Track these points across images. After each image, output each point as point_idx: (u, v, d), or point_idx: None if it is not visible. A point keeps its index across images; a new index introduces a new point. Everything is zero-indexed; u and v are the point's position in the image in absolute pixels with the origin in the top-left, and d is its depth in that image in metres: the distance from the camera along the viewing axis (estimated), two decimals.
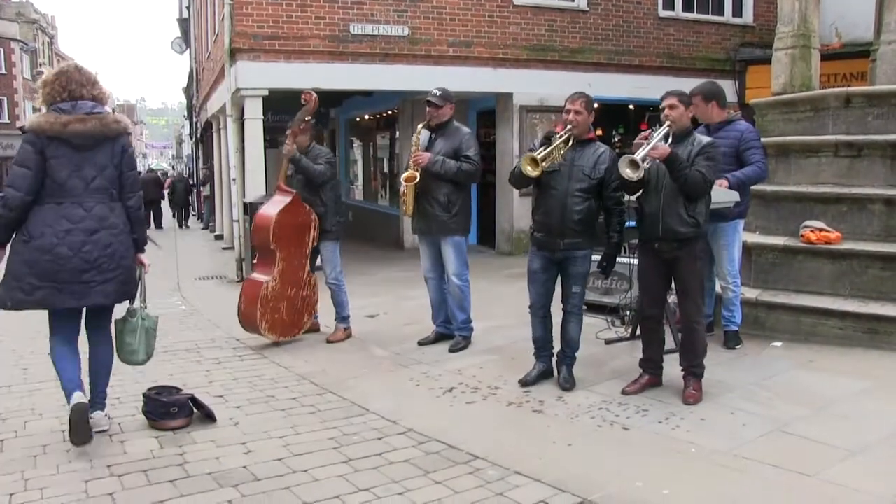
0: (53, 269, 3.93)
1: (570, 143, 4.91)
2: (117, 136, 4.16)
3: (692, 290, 4.75)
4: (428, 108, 6.05)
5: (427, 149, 6.02)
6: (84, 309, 4.21)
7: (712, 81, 6.15)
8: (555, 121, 5.12)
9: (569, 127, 4.90)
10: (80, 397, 4.02)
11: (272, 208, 6.37)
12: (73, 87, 4.10)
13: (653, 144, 4.51)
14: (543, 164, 4.77)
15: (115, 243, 4.13)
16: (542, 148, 4.84)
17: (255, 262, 6.72)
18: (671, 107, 4.70)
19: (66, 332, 4.20)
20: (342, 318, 6.78)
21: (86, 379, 4.28)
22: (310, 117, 6.57)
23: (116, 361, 4.47)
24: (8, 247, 4.02)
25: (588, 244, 5.06)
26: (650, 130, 4.67)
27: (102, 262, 4.06)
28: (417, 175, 5.92)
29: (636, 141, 4.62)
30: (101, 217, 4.07)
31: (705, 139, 4.76)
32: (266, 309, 6.29)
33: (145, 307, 4.58)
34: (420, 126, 6.13)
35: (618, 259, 7.10)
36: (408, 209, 6.11)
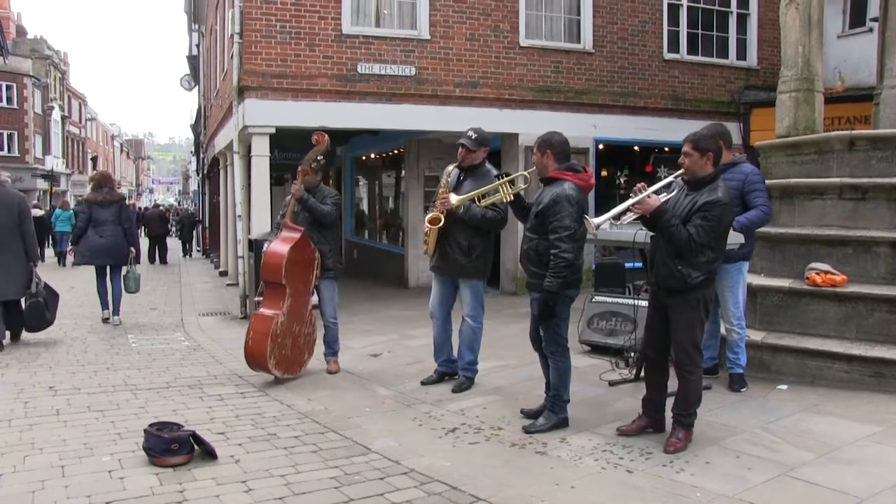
0: (91, 250, 9.51)
1: (524, 184, 5.52)
2: (119, 200, 9.82)
3: (682, 339, 4.57)
4: (461, 150, 5.95)
5: (455, 189, 5.94)
6: (107, 267, 9.70)
7: (719, 123, 6.19)
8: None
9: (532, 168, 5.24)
10: (106, 313, 9.98)
11: (282, 245, 6.38)
12: (102, 182, 10.00)
13: (639, 199, 4.42)
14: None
15: (115, 242, 9.55)
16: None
17: (258, 297, 6.71)
18: (685, 154, 4.52)
19: (100, 276, 9.80)
20: (335, 352, 6.95)
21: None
22: (321, 157, 6.65)
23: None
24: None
25: (539, 285, 4.92)
26: (642, 183, 4.64)
27: (110, 248, 9.51)
28: (442, 218, 5.86)
29: (635, 188, 4.55)
30: (111, 232, 9.52)
31: (713, 196, 4.42)
32: (275, 344, 6.30)
33: (135, 270, 9.98)
34: (451, 166, 6.08)
35: (621, 301, 7.19)
36: (429, 250, 6.05)
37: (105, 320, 9.89)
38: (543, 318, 4.93)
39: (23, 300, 8.29)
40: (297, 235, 6.43)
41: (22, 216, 8.18)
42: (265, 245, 6.89)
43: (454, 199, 5.73)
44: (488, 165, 6.08)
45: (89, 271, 10.43)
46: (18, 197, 8.45)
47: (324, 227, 6.69)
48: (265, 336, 6.24)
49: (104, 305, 9.92)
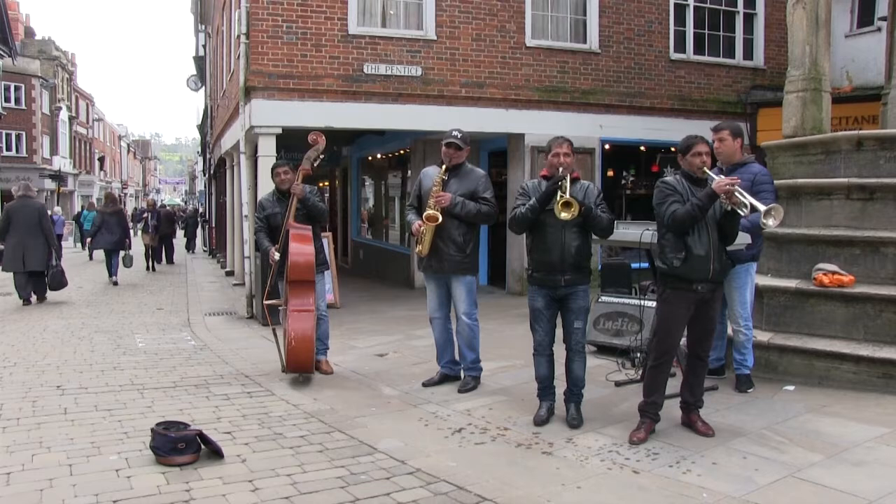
0: (101, 242, 15.62)
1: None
2: (119, 211, 16.28)
3: (714, 328, 4.99)
4: (448, 150, 6.00)
5: (441, 189, 6.02)
6: (110, 252, 15.60)
7: (735, 122, 6.20)
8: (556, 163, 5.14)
9: (561, 170, 5.02)
10: (109, 279, 15.77)
11: (305, 245, 6.43)
12: (109, 200, 16.65)
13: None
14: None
15: (118, 237, 15.51)
16: (558, 192, 4.96)
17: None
18: (708, 153, 4.82)
19: (108, 256, 15.75)
20: (327, 348, 7.00)
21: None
22: (322, 156, 6.71)
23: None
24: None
25: (587, 279, 5.16)
26: (729, 178, 4.58)
27: (113, 240, 15.44)
28: (440, 216, 5.91)
29: (720, 185, 4.47)
30: (113, 232, 15.39)
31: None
32: (314, 341, 6.37)
33: (129, 253, 16.25)
34: (443, 167, 6.06)
35: (628, 301, 7.22)
36: (424, 249, 6.06)
37: (108, 282, 15.63)
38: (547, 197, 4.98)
39: (45, 272, 12.07)
40: (309, 233, 6.54)
41: (41, 217, 12.06)
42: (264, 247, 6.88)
43: (567, 206, 5.00)
44: (469, 165, 6.22)
45: (95, 273, 16.71)
46: (40, 204, 12.85)
47: (316, 222, 6.86)
48: (311, 334, 6.28)
49: (110, 274, 15.76)
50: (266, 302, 6.87)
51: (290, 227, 6.53)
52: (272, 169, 7.01)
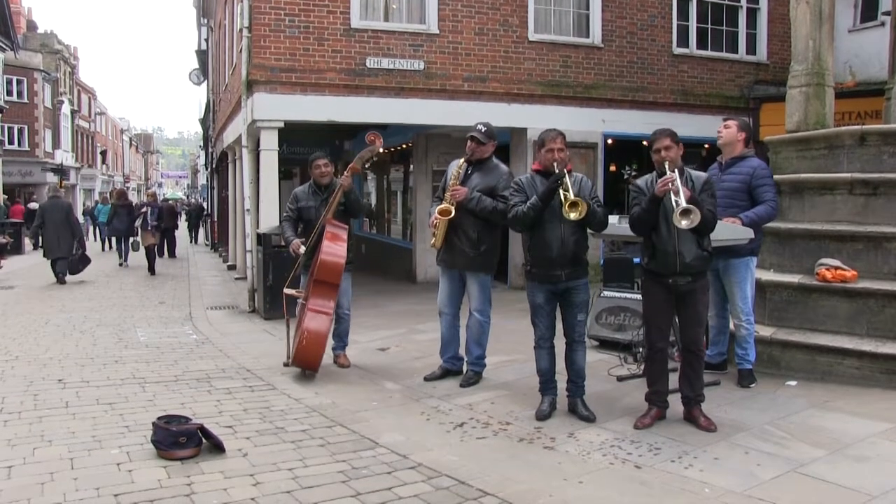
0: (114, 230, 19.01)
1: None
2: (129, 204, 19.60)
3: (702, 320, 4.97)
4: (470, 143, 5.97)
5: (462, 183, 5.96)
6: (122, 238, 18.74)
7: (746, 119, 6.19)
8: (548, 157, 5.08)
9: (557, 166, 4.96)
10: (120, 262, 18.67)
11: (339, 246, 6.30)
12: (120, 195, 20.12)
13: (682, 189, 4.54)
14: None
15: (127, 226, 18.36)
16: (562, 190, 4.92)
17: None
18: (667, 148, 4.75)
19: (118, 242, 19.26)
20: (346, 344, 6.96)
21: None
22: (375, 157, 6.66)
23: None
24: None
25: (585, 272, 5.16)
26: (669, 175, 4.64)
27: (124, 229, 18.38)
28: (453, 210, 5.87)
29: (659, 188, 4.62)
30: (125, 221, 18.33)
31: (702, 175, 4.89)
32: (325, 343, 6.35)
33: (136, 239, 18.37)
34: (462, 160, 6.05)
35: (630, 296, 7.22)
36: (437, 242, 6.03)
37: (119, 265, 18.20)
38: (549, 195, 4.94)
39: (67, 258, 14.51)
40: (345, 234, 6.42)
41: (69, 214, 14.79)
42: (290, 240, 6.71)
43: (575, 206, 4.92)
44: (495, 160, 6.11)
45: (102, 265, 17.80)
46: (67, 203, 16.09)
47: (353, 219, 6.80)
48: (325, 336, 6.25)
49: (120, 257, 18.59)
50: (286, 290, 6.76)
51: (328, 222, 6.42)
52: (310, 161, 6.89)
